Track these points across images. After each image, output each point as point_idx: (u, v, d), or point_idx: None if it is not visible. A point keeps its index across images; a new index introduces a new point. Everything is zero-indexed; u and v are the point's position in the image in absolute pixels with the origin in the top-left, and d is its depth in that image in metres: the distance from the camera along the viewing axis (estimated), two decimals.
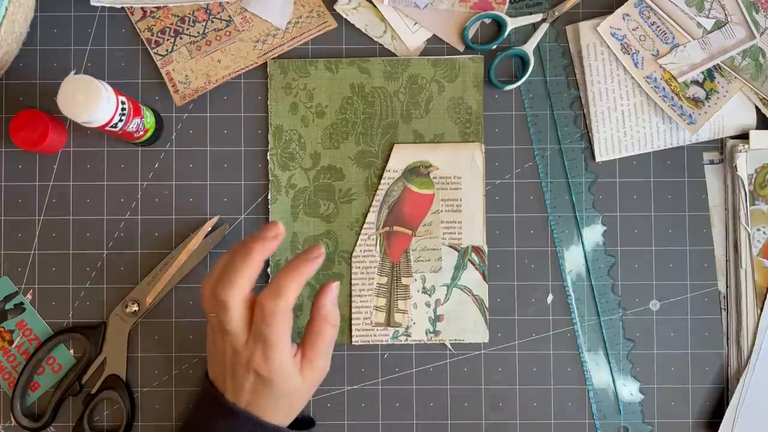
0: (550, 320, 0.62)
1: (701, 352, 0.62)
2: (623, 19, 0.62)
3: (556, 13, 0.62)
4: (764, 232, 0.61)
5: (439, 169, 0.62)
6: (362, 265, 0.62)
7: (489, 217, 0.63)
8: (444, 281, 0.62)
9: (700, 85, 0.62)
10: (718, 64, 0.61)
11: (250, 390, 0.50)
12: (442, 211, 0.62)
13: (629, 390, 0.62)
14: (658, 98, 0.62)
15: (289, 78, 0.62)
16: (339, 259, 0.62)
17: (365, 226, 0.62)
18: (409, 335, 0.62)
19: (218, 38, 0.63)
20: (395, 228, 0.62)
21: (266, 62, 0.62)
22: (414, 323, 0.62)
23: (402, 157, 0.62)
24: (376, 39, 0.63)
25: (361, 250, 0.62)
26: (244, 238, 0.50)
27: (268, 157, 0.62)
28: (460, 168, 0.62)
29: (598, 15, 0.63)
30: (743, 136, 0.62)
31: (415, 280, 0.62)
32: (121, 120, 0.55)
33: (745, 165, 0.61)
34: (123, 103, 0.54)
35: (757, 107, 0.62)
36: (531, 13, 0.63)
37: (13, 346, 0.62)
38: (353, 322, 0.62)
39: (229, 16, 0.63)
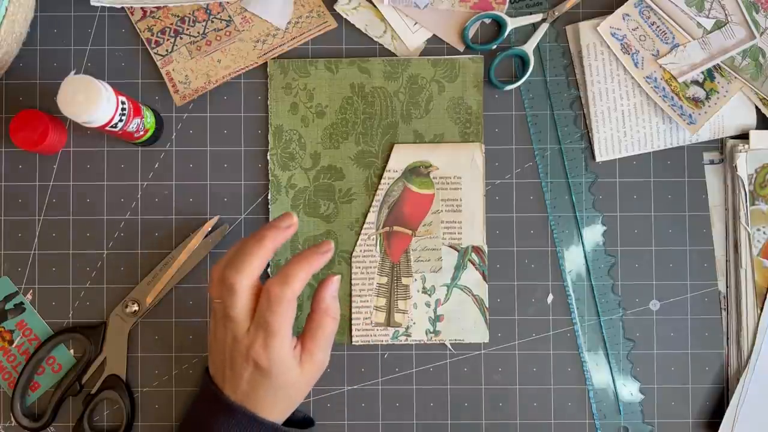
0: (550, 320, 0.62)
1: (701, 352, 0.62)
2: (623, 19, 0.62)
3: (556, 13, 0.62)
4: (764, 232, 0.61)
5: (439, 169, 0.62)
6: (362, 265, 0.62)
7: (489, 217, 0.62)
8: (444, 281, 0.62)
9: (700, 85, 0.62)
10: (718, 64, 0.61)
11: (248, 380, 0.50)
12: (442, 211, 0.62)
13: (629, 390, 0.62)
14: (658, 98, 0.62)
15: (289, 78, 0.62)
16: (339, 259, 0.62)
17: (365, 226, 0.62)
18: (409, 335, 0.62)
19: (218, 38, 0.63)
20: (395, 228, 0.62)
21: (266, 62, 0.62)
22: (414, 323, 0.62)
23: (402, 157, 0.62)
24: (376, 39, 0.63)
25: (361, 250, 0.62)
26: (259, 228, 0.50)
27: (268, 157, 0.62)
28: (460, 168, 0.62)
29: (598, 15, 0.63)
30: (743, 136, 0.62)
31: (415, 280, 0.62)
32: (121, 120, 0.55)
33: (745, 165, 0.61)
34: (123, 103, 0.54)
35: (757, 107, 0.62)
36: (531, 13, 0.63)
37: (13, 346, 0.62)
38: (353, 322, 0.62)
39: (229, 16, 0.63)
